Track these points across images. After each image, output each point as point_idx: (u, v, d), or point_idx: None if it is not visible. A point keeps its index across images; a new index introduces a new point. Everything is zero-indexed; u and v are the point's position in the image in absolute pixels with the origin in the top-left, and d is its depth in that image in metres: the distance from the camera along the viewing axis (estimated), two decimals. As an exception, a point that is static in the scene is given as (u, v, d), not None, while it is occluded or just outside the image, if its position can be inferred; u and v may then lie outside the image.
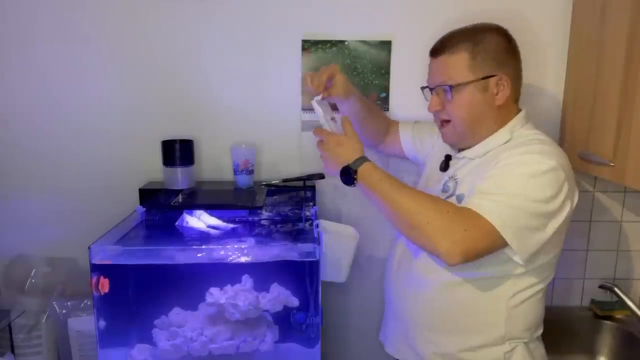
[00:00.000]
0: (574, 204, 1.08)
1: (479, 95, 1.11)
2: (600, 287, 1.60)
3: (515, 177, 1.02)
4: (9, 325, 1.41)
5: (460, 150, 1.21)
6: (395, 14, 1.51)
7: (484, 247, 1.00)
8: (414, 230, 1.03)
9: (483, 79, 1.10)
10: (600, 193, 1.62)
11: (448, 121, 1.17)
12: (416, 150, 1.42)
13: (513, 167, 1.03)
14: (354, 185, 1.11)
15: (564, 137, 1.54)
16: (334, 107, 1.33)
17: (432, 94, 1.18)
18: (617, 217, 1.63)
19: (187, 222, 1.33)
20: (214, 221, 1.35)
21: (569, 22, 1.50)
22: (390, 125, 1.47)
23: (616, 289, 1.53)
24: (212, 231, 1.31)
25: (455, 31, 1.16)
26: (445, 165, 1.23)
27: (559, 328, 1.51)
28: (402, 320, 1.25)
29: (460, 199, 1.11)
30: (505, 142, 1.12)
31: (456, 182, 1.15)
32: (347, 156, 1.12)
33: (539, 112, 1.56)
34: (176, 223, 1.33)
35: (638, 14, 1.19)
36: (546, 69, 1.54)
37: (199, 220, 1.33)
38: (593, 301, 1.66)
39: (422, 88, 1.22)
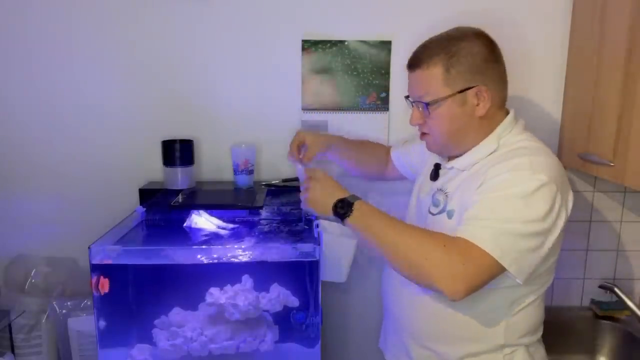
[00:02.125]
0: (569, 210, 1.05)
1: (458, 109, 1.07)
2: (600, 287, 1.60)
3: (506, 200, 0.98)
4: (9, 325, 1.41)
5: (450, 159, 1.18)
6: (395, 14, 1.51)
7: (485, 279, 0.97)
8: (412, 268, 0.99)
9: (460, 92, 1.06)
10: (600, 193, 1.62)
11: (429, 134, 1.15)
12: (409, 168, 1.41)
13: (502, 187, 1.00)
14: (347, 218, 1.05)
15: (564, 138, 1.54)
16: None
17: (412, 105, 1.15)
18: (617, 217, 1.63)
19: (195, 223, 1.32)
20: (215, 221, 1.34)
21: (569, 22, 1.50)
22: (387, 153, 1.47)
23: (616, 289, 1.53)
24: (222, 231, 1.31)
25: (430, 42, 1.11)
26: (435, 175, 1.20)
27: (559, 328, 1.51)
28: (399, 327, 1.24)
29: (450, 214, 1.09)
30: (493, 152, 1.09)
31: (446, 195, 1.13)
32: (338, 193, 1.09)
33: (539, 112, 1.56)
34: (184, 224, 1.33)
35: (638, 14, 1.19)
36: (546, 69, 1.54)
37: (207, 221, 1.33)
38: (593, 301, 1.66)
39: (406, 97, 1.19)
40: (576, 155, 1.42)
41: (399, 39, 1.52)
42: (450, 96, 1.07)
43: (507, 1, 1.50)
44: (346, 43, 1.52)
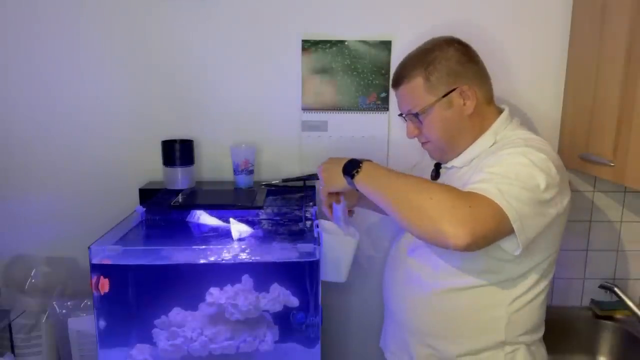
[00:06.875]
0: (565, 203, 1.05)
1: (447, 112, 1.13)
2: (600, 287, 1.60)
3: (509, 166, 0.99)
4: (9, 325, 1.41)
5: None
6: (395, 14, 1.51)
7: (492, 228, 0.94)
8: (415, 211, 0.96)
9: (444, 96, 1.12)
10: (600, 193, 1.62)
11: (428, 141, 1.20)
12: None
13: (505, 160, 1.02)
14: (356, 175, 1.09)
15: (564, 138, 1.54)
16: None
17: (406, 120, 1.21)
18: (617, 217, 1.63)
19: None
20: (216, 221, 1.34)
21: (569, 23, 1.50)
22: None
23: (616, 289, 1.54)
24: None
25: (406, 58, 1.19)
26: (436, 174, 1.24)
27: (559, 328, 1.51)
28: (399, 324, 1.25)
29: None
30: (491, 146, 1.13)
31: None
32: (347, 159, 1.15)
33: (539, 112, 1.56)
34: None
35: (638, 14, 1.19)
36: (546, 68, 1.54)
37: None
38: (593, 301, 1.66)
39: (399, 115, 1.25)
40: (576, 155, 1.42)
41: (399, 39, 1.52)
42: (436, 102, 1.12)
43: (507, 1, 1.50)
44: (346, 43, 1.52)
